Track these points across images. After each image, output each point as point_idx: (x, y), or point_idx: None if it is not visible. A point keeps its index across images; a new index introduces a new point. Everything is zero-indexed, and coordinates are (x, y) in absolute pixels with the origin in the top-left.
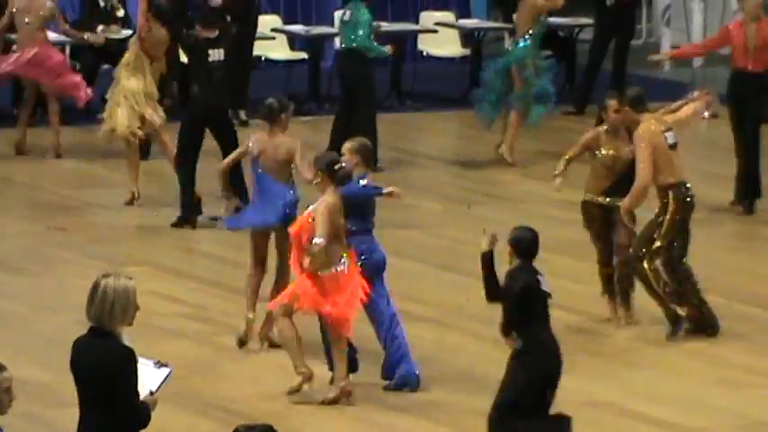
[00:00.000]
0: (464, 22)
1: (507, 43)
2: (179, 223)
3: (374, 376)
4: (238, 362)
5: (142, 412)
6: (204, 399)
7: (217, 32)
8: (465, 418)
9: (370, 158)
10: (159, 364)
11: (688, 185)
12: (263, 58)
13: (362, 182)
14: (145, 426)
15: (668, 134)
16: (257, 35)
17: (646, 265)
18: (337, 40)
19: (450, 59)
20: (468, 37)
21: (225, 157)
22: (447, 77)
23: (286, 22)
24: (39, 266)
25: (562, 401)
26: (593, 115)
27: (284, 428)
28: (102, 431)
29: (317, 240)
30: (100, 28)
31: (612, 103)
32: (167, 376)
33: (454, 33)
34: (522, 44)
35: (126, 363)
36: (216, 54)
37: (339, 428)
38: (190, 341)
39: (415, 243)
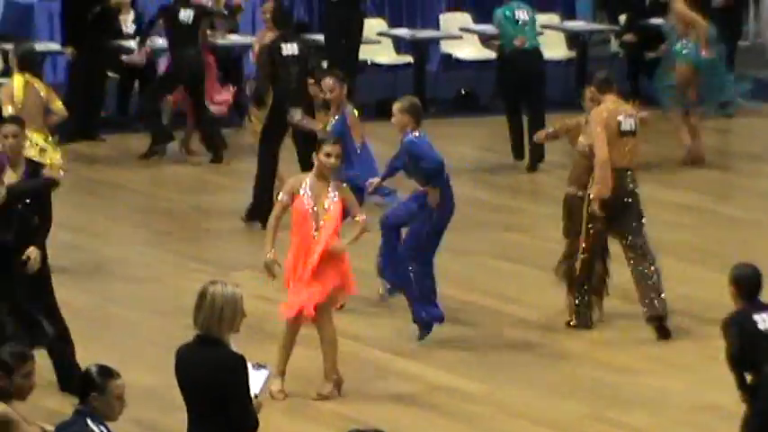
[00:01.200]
0: (570, 24)
1: (613, 45)
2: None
3: None
4: (347, 364)
5: (255, 417)
6: (315, 404)
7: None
8: (575, 422)
9: (419, 116)
10: (258, 366)
11: (630, 172)
12: (368, 62)
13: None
14: (255, 429)
15: (625, 119)
16: (363, 40)
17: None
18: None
19: (556, 62)
20: (573, 39)
21: None
22: (553, 80)
23: (391, 26)
24: (148, 271)
25: (667, 404)
26: (707, 116)
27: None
28: None
29: (363, 217)
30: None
31: (588, 91)
32: (267, 378)
33: (560, 36)
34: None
35: (240, 370)
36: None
37: None
38: (298, 346)
39: (519, 246)
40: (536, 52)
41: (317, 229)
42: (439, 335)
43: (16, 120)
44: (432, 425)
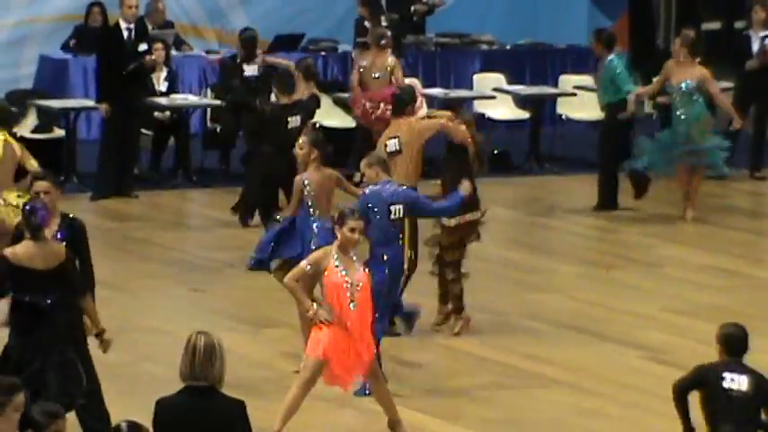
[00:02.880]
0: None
1: (647, 106)
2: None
3: None
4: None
5: None
6: None
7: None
8: None
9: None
10: None
11: None
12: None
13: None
14: None
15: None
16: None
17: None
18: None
19: (589, 122)
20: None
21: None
22: (585, 140)
23: (425, 86)
24: (178, 327)
25: None
26: (737, 178)
27: None
28: None
29: None
30: None
31: None
32: None
33: (592, 96)
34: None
35: (246, 414)
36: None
37: None
38: (327, 402)
39: (551, 307)
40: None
41: (352, 302)
42: (476, 397)
43: (47, 176)
44: None
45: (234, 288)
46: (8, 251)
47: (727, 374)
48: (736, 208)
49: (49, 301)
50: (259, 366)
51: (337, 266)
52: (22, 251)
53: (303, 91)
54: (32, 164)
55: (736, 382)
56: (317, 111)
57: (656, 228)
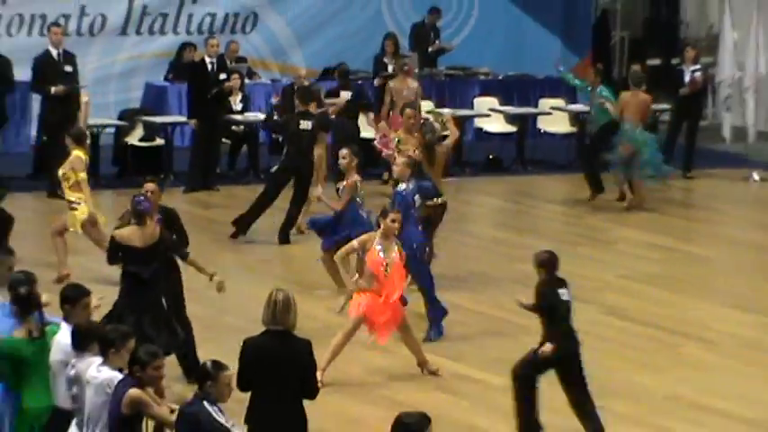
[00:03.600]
0: (572, 106)
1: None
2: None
3: None
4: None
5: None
6: (370, 389)
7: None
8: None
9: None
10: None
11: None
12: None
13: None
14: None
15: None
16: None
17: None
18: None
19: (562, 135)
20: (575, 118)
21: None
22: (559, 148)
23: (437, 106)
24: (251, 289)
25: (646, 395)
26: (673, 177)
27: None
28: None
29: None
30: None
31: None
32: None
33: (564, 115)
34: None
35: (311, 352)
36: (305, 124)
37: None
38: (364, 347)
39: (532, 274)
40: None
41: (386, 276)
42: (472, 341)
43: (154, 180)
44: (466, 410)
45: (291, 259)
46: (115, 232)
47: (560, 290)
48: (673, 200)
49: (147, 273)
50: (309, 318)
51: (378, 248)
52: (126, 233)
53: (315, 107)
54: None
55: (566, 293)
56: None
57: (612, 215)
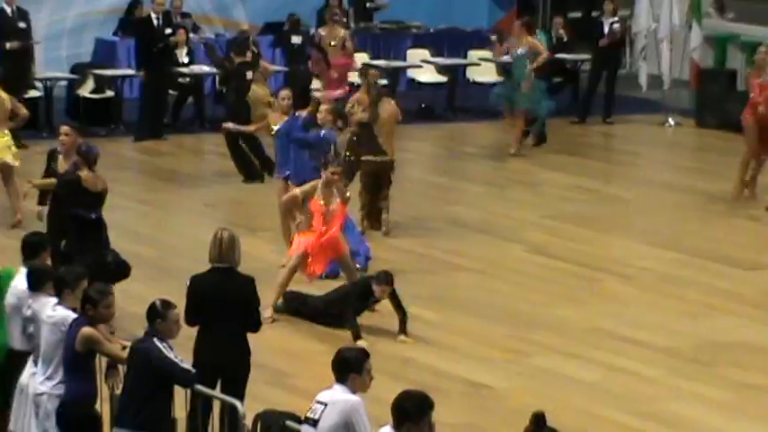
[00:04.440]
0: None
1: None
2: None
3: None
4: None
5: (260, 322)
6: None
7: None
8: (500, 339)
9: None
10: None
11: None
12: (355, 84)
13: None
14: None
15: None
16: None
17: None
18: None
19: (489, 84)
20: (502, 68)
21: None
22: (486, 96)
23: (372, 58)
24: (198, 231)
25: (568, 327)
26: (593, 123)
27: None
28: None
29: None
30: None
31: None
32: None
33: (491, 66)
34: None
35: (255, 287)
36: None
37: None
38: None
39: (463, 215)
40: None
41: (325, 224)
42: (406, 279)
43: (68, 124)
44: (402, 344)
45: (235, 203)
46: (81, 175)
47: None
48: (593, 144)
49: (94, 216)
50: (254, 259)
51: (320, 197)
52: (88, 177)
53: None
54: (24, 111)
55: None
56: None
57: (537, 159)
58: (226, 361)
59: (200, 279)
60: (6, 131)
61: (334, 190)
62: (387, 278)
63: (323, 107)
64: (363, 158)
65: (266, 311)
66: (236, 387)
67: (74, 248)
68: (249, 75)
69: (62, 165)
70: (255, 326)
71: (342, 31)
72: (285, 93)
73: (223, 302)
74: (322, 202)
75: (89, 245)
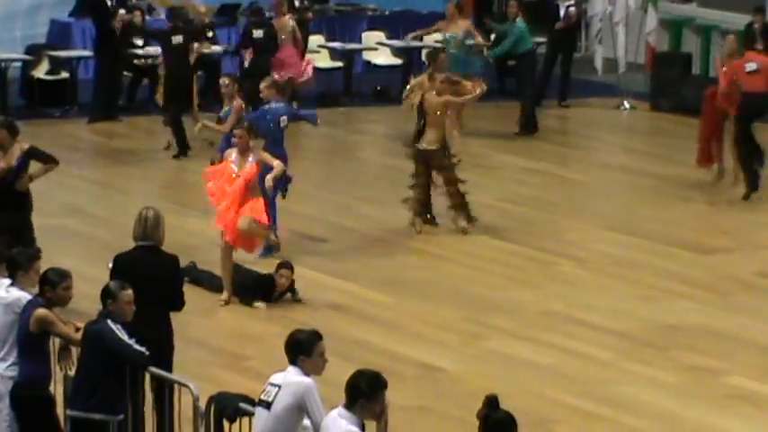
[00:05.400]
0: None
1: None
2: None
3: None
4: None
5: (184, 300)
6: (262, 309)
7: None
8: (454, 322)
9: (280, 90)
10: None
11: None
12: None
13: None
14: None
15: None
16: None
17: None
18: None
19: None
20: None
21: None
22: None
23: (328, 40)
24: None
25: (523, 310)
26: (549, 106)
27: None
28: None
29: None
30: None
31: None
32: None
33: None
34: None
35: (179, 265)
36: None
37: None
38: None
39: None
40: None
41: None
42: (361, 262)
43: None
44: (356, 326)
45: (189, 184)
46: None
47: None
48: (549, 127)
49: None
50: (211, 241)
51: (232, 160)
52: None
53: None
54: None
55: None
56: None
57: (493, 141)
58: (150, 339)
59: (124, 257)
60: None
61: (249, 157)
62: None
63: (262, 84)
64: (414, 145)
65: (222, 294)
66: (161, 365)
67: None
68: (176, 40)
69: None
70: (178, 305)
71: (290, 23)
72: (223, 80)
73: (147, 280)
74: (233, 167)
75: (7, 222)
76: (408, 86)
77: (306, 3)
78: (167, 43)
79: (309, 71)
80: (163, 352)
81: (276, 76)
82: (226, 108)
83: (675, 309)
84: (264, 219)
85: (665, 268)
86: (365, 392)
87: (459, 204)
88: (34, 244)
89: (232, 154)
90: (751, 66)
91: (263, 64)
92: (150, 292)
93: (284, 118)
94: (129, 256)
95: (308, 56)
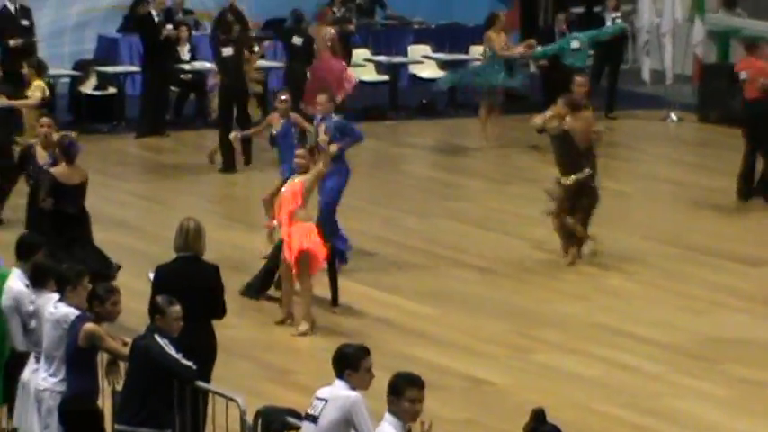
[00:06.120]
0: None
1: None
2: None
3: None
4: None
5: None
6: (323, 320)
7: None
8: (502, 335)
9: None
10: None
11: None
12: (357, 80)
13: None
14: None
15: None
16: (352, 63)
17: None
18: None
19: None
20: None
21: None
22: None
23: (374, 54)
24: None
25: (572, 323)
26: (596, 118)
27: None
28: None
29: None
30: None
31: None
32: None
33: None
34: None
35: (219, 275)
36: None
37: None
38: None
39: (464, 211)
40: None
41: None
42: (407, 275)
43: (48, 115)
44: (403, 340)
45: (236, 198)
46: (53, 171)
47: None
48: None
49: (72, 210)
50: (252, 255)
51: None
52: (61, 170)
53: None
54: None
55: None
56: None
57: (538, 154)
58: (192, 348)
59: (165, 268)
60: None
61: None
62: None
63: (321, 97)
64: (561, 180)
65: (301, 326)
66: (202, 373)
67: (53, 243)
68: (226, 51)
69: (41, 155)
70: (219, 313)
71: (329, 33)
72: (283, 95)
73: (188, 290)
74: (287, 184)
75: (69, 239)
76: (545, 118)
77: (348, 15)
78: (220, 55)
79: (351, 81)
80: (206, 360)
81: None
82: (277, 124)
83: (724, 321)
84: (319, 251)
85: (713, 280)
86: (350, 361)
87: (584, 236)
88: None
89: (295, 178)
90: None
91: (300, 71)
92: (192, 301)
93: (332, 130)
94: (171, 267)
95: (348, 70)
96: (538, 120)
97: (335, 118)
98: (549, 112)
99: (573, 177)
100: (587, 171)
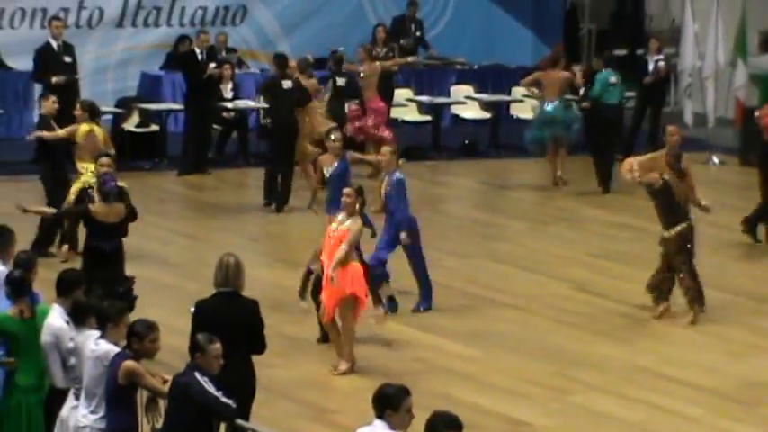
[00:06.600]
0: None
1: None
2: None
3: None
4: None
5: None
6: (359, 359)
7: None
8: (545, 376)
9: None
10: None
11: None
12: (399, 120)
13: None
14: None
15: None
16: (394, 103)
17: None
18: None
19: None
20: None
21: None
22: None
23: (416, 94)
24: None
25: (612, 366)
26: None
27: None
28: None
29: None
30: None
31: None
32: None
33: (536, 103)
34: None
35: (259, 311)
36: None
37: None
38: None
39: (505, 251)
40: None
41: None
42: (447, 315)
43: (108, 154)
44: (443, 380)
45: (277, 237)
46: (90, 206)
47: None
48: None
49: (108, 248)
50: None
51: (338, 220)
52: (98, 208)
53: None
54: (111, 150)
55: None
56: None
57: (581, 196)
58: (231, 383)
59: (205, 303)
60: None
61: (352, 218)
62: None
63: (386, 149)
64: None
65: (341, 366)
66: (242, 409)
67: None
68: (286, 85)
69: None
70: (260, 348)
71: (379, 68)
72: (337, 135)
73: (228, 325)
74: (334, 225)
75: (102, 275)
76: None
77: (391, 55)
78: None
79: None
80: (245, 395)
81: (354, 125)
82: (330, 164)
83: (765, 365)
84: (362, 292)
85: (756, 324)
86: (392, 402)
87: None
88: (130, 294)
89: (339, 215)
90: None
91: (340, 109)
92: (232, 336)
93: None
94: (211, 303)
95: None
96: (628, 176)
97: (398, 174)
98: (633, 165)
99: (677, 229)
100: (690, 220)
